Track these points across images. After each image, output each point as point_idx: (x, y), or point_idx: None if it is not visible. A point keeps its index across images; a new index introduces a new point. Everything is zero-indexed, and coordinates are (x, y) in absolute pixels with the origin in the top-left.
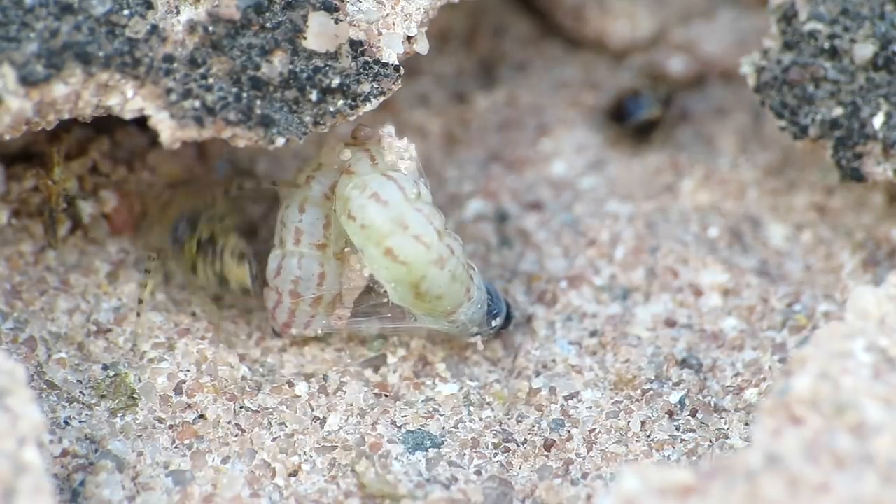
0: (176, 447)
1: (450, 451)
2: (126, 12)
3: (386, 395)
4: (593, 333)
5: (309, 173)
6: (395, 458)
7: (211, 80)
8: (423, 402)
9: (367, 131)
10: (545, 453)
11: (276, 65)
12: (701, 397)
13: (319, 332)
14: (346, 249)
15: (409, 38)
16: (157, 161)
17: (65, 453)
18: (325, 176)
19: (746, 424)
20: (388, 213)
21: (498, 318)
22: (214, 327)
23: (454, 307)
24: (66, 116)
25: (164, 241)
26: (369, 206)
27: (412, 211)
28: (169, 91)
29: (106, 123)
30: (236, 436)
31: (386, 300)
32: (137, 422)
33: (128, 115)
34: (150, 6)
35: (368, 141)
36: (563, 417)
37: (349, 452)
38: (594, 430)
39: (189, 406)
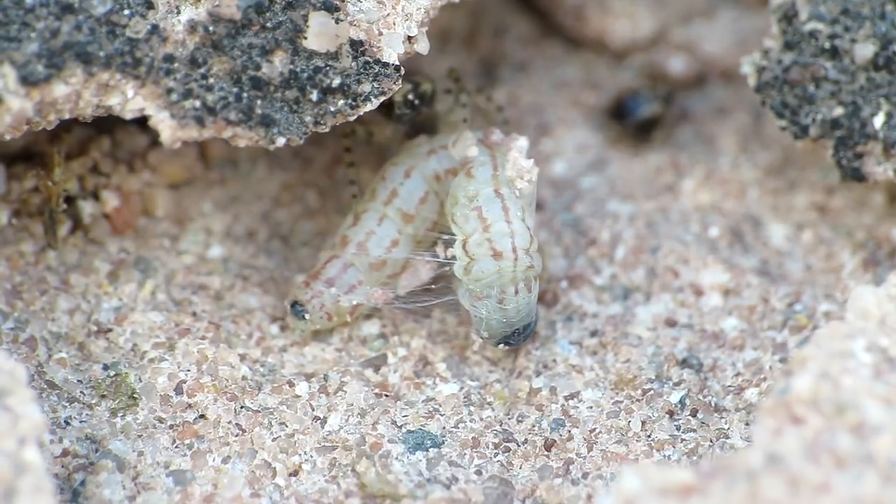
0: (176, 447)
1: (450, 450)
2: (126, 12)
3: (386, 395)
4: (594, 333)
5: (435, 147)
6: (396, 458)
7: (211, 80)
8: (423, 401)
9: (498, 137)
10: (546, 453)
11: (277, 65)
12: (701, 397)
13: (353, 301)
14: (441, 235)
15: (409, 37)
16: (158, 161)
17: (65, 453)
18: (447, 158)
19: (747, 424)
20: (483, 231)
21: (505, 347)
22: None
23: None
24: (67, 116)
25: None
26: (472, 219)
27: (504, 227)
28: (169, 91)
29: (106, 123)
30: (237, 435)
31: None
32: (138, 422)
33: (128, 115)
34: (150, 6)
35: (497, 147)
36: (563, 417)
37: (350, 452)
38: (595, 429)
39: (189, 406)
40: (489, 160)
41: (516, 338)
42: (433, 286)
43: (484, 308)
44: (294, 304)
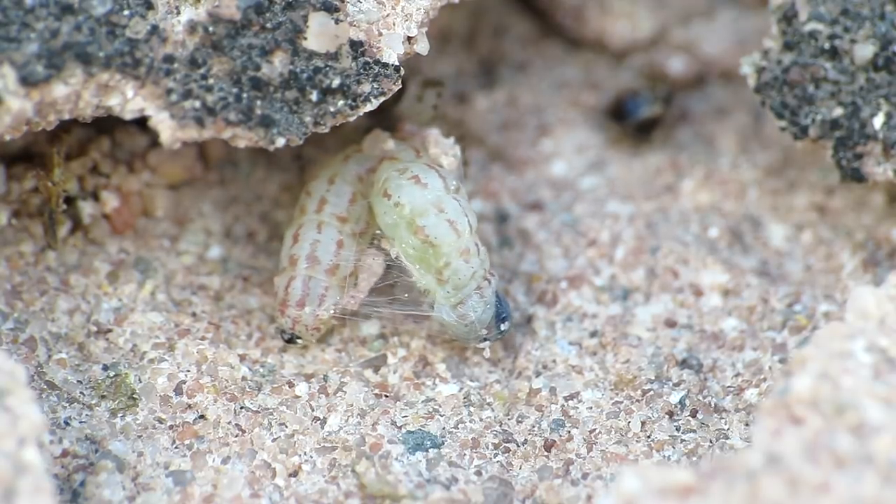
0: (176, 447)
1: (450, 451)
2: (126, 12)
3: (386, 396)
4: (593, 334)
5: (349, 153)
6: (396, 459)
7: (211, 81)
8: (423, 402)
9: (411, 129)
10: (545, 453)
11: (277, 65)
12: (701, 397)
13: (332, 311)
14: (377, 232)
15: (409, 38)
16: (158, 161)
17: (65, 453)
18: (364, 159)
19: (747, 424)
20: (426, 195)
21: (506, 322)
22: None
23: (465, 299)
24: (67, 117)
25: None
26: (408, 186)
27: (450, 199)
28: (169, 91)
29: (106, 123)
30: (236, 436)
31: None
32: (138, 422)
33: (128, 116)
34: (150, 6)
35: (412, 138)
36: (563, 418)
37: (349, 453)
38: (594, 430)
39: (189, 406)
40: (408, 147)
41: (503, 308)
42: (406, 295)
43: (472, 312)
44: (282, 332)
